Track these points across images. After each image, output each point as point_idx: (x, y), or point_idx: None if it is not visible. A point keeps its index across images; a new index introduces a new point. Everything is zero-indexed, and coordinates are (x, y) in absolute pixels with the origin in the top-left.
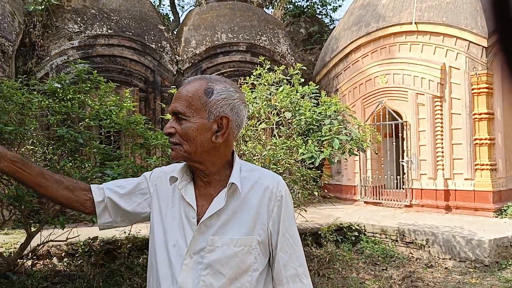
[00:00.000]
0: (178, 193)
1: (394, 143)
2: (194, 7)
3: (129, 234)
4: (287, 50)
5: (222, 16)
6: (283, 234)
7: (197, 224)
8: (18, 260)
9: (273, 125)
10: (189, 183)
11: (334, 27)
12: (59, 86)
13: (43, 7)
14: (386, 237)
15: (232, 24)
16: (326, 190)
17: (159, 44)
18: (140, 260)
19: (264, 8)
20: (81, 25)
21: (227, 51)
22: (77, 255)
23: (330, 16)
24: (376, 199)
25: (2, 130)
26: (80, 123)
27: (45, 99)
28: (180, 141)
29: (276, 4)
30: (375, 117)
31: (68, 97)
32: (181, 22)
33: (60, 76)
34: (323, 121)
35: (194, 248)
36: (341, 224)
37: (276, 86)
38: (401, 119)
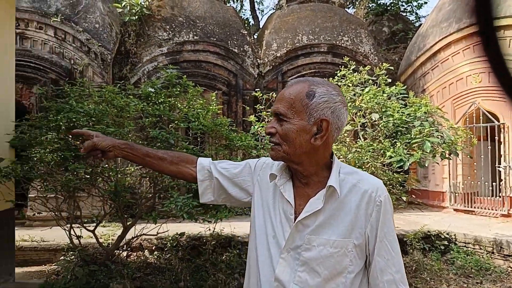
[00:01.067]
0: (278, 188)
1: (489, 147)
2: (274, 11)
3: (213, 231)
4: (370, 50)
5: (303, 18)
6: (381, 240)
7: (294, 221)
8: (115, 251)
9: (358, 127)
10: (288, 181)
11: (420, 24)
12: (152, 90)
13: (136, 17)
14: (481, 248)
15: (313, 25)
16: (413, 196)
17: (242, 49)
18: (223, 257)
19: (346, 8)
20: (170, 32)
21: (308, 52)
22: (166, 249)
23: (416, 13)
24: (468, 206)
25: (105, 131)
26: (170, 125)
27: (139, 102)
28: (280, 141)
29: (358, 3)
30: (467, 119)
31: (160, 101)
32: (261, 26)
33: (153, 82)
34: (412, 123)
35: (291, 244)
36: (428, 231)
37: (361, 87)
38: (498, 121)
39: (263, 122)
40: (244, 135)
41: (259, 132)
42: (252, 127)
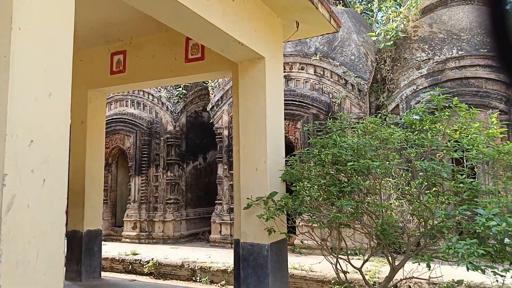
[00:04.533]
0: None
1: None
2: None
3: (503, 283)
4: None
5: None
6: None
7: None
8: None
9: None
10: None
11: None
12: (417, 118)
13: (391, 42)
14: None
15: None
16: None
17: None
18: None
19: None
20: (429, 52)
21: None
22: None
23: None
24: None
25: (370, 166)
26: (437, 154)
27: (403, 131)
28: None
29: None
30: None
31: (425, 128)
32: None
33: (418, 108)
34: None
35: None
36: None
37: None
38: None
39: None
40: None
41: None
42: None
